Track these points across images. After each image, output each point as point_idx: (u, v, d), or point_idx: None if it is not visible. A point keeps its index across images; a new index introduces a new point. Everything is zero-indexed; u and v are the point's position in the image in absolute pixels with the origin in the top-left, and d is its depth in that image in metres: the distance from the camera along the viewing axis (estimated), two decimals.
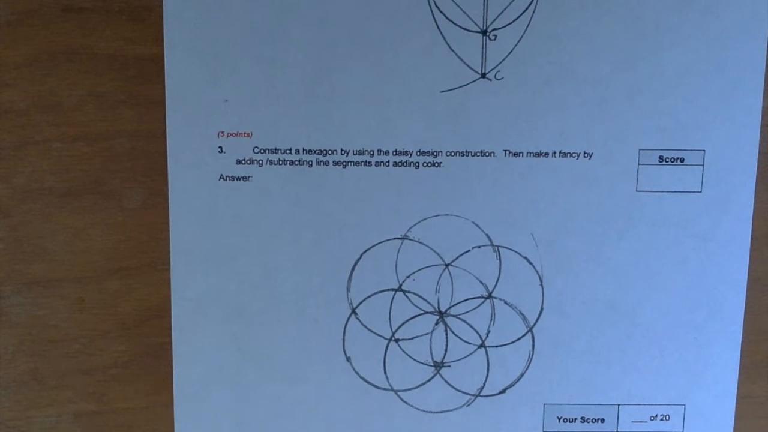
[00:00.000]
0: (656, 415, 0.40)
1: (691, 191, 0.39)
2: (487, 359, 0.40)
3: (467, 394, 0.40)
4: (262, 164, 0.38)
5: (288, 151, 0.38)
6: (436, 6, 0.37)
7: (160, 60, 0.38)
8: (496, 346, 0.40)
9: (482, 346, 0.40)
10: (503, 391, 0.40)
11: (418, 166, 0.39)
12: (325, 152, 0.38)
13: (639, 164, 0.39)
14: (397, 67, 0.38)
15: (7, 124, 0.38)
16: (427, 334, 0.40)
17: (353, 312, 0.40)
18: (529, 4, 0.38)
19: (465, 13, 0.38)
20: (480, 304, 0.40)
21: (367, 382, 0.40)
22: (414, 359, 0.40)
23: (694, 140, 0.39)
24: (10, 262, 0.40)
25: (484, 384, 0.40)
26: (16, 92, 0.38)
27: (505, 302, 0.40)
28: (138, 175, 0.39)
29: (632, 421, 0.40)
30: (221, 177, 0.38)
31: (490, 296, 0.40)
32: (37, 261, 0.40)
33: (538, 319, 0.40)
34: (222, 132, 0.38)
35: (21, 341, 0.40)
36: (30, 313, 0.40)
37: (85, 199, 0.39)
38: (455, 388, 0.40)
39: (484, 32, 0.38)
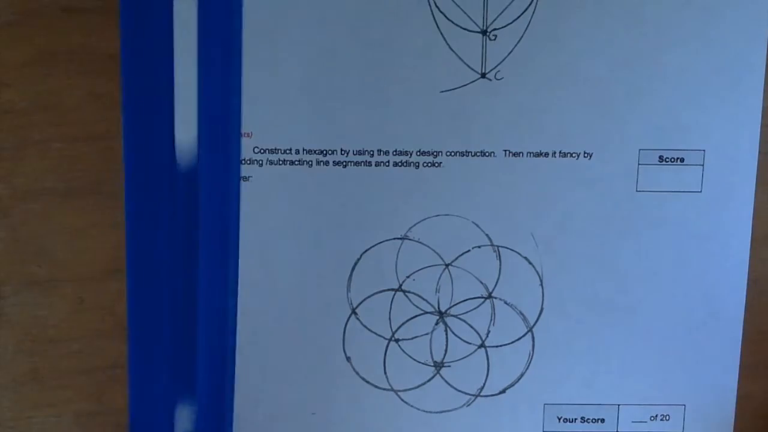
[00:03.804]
0: (656, 415, 0.40)
1: (691, 191, 0.39)
2: (487, 359, 0.40)
3: (467, 394, 0.40)
4: (262, 164, 0.38)
5: (288, 151, 0.38)
6: (436, 6, 0.37)
7: None
8: (496, 346, 0.40)
9: (482, 346, 0.40)
10: (503, 391, 0.40)
11: (418, 166, 0.39)
12: (325, 152, 0.38)
13: (639, 164, 0.39)
14: (397, 67, 0.38)
15: (7, 124, 0.38)
16: (427, 334, 0.40)
17: (353, 312, 0.40)
18: (529, 4, 0.38)
19: (465, 13, 0.38)
20: (480, 304, 0.40)
21: (367, 382, 0.40)
22: (414, 359, 0.40)
23: (694, 140, 0.39)
24: (10, 262, 0.39)
25: (484, 384, 0.40)
26: (16, 92, 0.38)
27: (505, 302, 0.40)
28: None
29: (632, 421, 0.40)
30: None
31: (490, 296, 0.40)
32: (37, 261, 0.39)
33: (538, 319, 0.40)
34: None
35: (21, 341, 0.40)
36: (30, 313, 0.40)
37: (85, 199, 0.39)
38: (455, 388, 0.40)
39: (484, 32, 0.38)
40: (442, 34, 0.38)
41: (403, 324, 0.40)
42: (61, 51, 0.38)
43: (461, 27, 0.38)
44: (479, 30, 0.38)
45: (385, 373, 0.40)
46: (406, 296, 0.40)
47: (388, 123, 0.38)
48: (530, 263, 0.39)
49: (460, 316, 0.40)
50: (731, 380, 0.41)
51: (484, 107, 0.38)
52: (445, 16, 0.38)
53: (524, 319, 0.40)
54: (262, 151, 0.38)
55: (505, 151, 0.39)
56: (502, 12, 0.38)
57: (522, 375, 0.40)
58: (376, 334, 0.40)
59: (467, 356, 0.40)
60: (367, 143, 0.38)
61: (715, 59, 0.38)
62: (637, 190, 0.39)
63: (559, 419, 0.40)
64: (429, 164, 0.39)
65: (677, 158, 0.39)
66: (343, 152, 0.38)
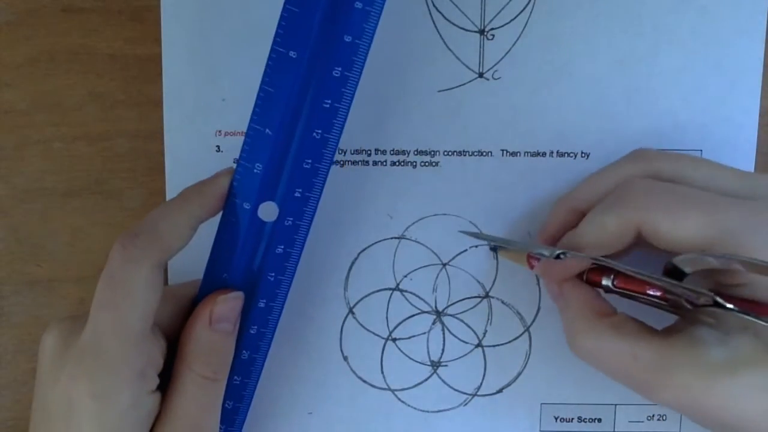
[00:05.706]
0: (653, 415, 0.40)
1: None
2: (484, 359, 0.40)
3: (464, 393, 0.40)
4: None
5: None
6: (434, 5, 0.38)
7: (159, 60, 0.38)
8: (493, 346, 0.40)
9: (479, 345, 0.40)
10: (500, 391, 0.40)
11: (416, 165, 0.39)
12: None
13: None
14: (394, 66, 0.38)
15: (7, 124, 0.39)
16: (424, 333, 0.40)
17: (350, 311, 0.40)
18: (527, 4, 0.38)
19: (463, 12, 0.38)
20: (477, 304, 0.40)
21: (365, 381, 0.40)
22: (411, 359, 0.40)
23: (692, 140, 0.38)
24: (10, 262, 0.40)
25: (481, 383, 0.40)
26: (16, 92, 0.39)
27: (502, 302, 0.40)
28: (138, 175, 0.39)
29: (629, 421, 0.40)
30: None
31: (487, 296, 0.40)
32: (37, 261, 0.40)
33: (535, 318, 0.40)
34: (219, 131, 0.38)
35: (21, 341, 0.40)
36: (30, 313, 0.40)
37: (85, 199, 0.39)
38: (452, 388, 0.40)
39: (481, 32, 0.38)
40: (439, 33, 0.38)
41: (400, 323, 0.40)
42: (61, 51, 0.38)
43: (459, 26, 0.38)
44: (477, 29, 0.38)
45: (382, 372, 0.40)
46: (404, 295, 0.40)
47: (385, 122, 0.38)
48: None
49: (457, 316, 0.40)
50: None
51: (481, 107, 0.38)
52: (443, 16, 0.38)
53: (521, 318, 0.40)
54: None
55: (503, 150, 0.39)
56: (500, 12, 0.38)
57: (519, 374, 0.40)
58: (373, 333, 0.40)
59: (464, 356, 0.40)
60: (365, 142, 0.38)
61: (713, 59, 0.38)
62: None
63: (556, 419, 0.40)
64: (426, 164, 0.39)
65: None
66: (340, 151, 0.38)
